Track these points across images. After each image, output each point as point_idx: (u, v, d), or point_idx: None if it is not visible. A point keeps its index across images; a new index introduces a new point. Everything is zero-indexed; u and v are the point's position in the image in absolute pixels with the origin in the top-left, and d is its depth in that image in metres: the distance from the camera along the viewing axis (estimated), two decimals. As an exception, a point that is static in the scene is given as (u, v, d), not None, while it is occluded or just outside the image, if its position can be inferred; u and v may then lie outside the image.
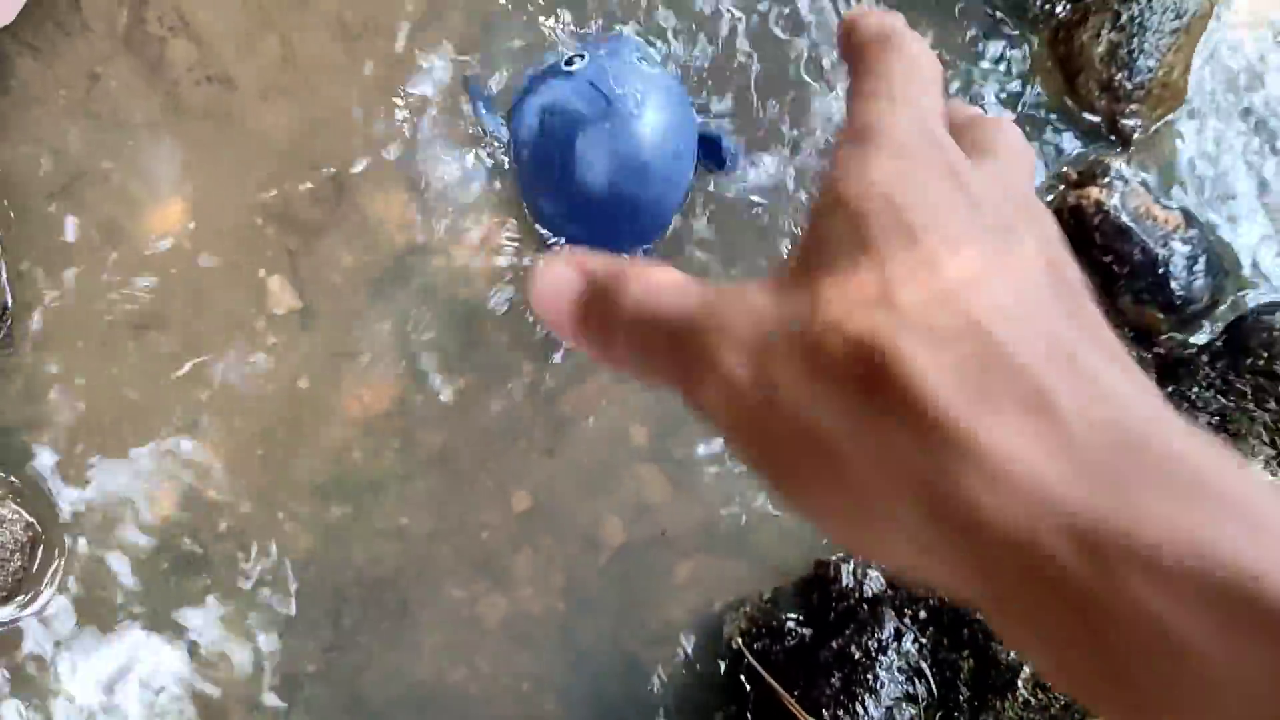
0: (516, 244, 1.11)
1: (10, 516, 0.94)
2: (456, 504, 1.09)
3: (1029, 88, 1.17)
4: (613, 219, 1.05)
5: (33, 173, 1.05)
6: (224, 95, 1.07)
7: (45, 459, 1.02)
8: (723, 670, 1.10)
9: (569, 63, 1.03)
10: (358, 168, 1.09)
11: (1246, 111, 1.19)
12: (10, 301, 0.99)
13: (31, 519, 0.96)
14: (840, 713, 0.98)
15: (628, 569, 1.11)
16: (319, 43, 1.08)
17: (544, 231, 1.10)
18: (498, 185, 1.11)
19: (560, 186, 1.03)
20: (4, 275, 1.00)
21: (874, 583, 1.08)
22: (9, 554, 0.94)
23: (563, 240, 1.09)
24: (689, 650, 1.11)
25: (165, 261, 1.06)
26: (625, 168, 1.01)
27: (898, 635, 1.02)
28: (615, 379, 1.09)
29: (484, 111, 1.08)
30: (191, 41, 1.06)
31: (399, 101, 1.08)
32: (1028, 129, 1.16)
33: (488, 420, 1.10)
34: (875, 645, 1.01)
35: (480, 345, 1.11)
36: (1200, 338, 1.14)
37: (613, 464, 1.11)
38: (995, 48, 1.17)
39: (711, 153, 1.10)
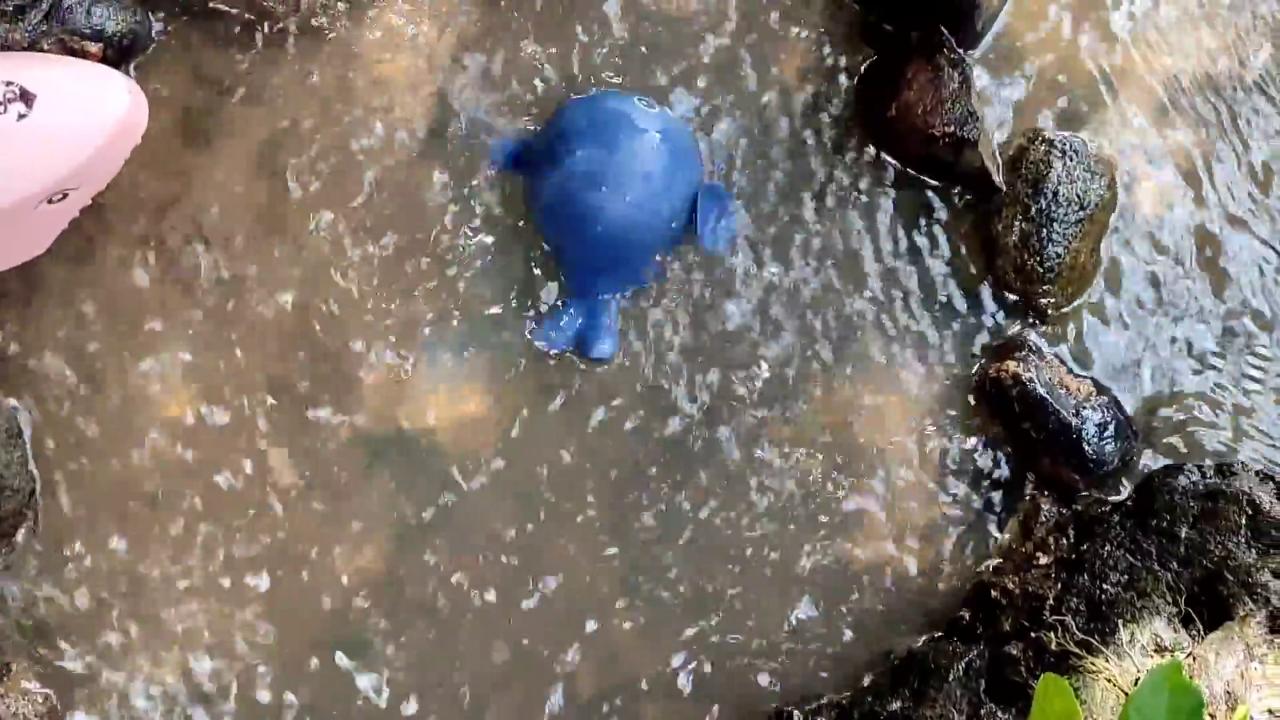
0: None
1: (32, 690, 1.04)
2: (441, 659, 1.19)
3: (955, 268, 1.31)
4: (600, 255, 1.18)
5: (58, 368, 1.16)
6: (234, 291, 1.20)
7: (64, 628, 1.12)
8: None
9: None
10: (357, 351, 1.21)
11: (1149, 288, 1.33)
12: (38, 487, 1.11)
13: (50, 691, 1.06)
14: None
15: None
16: (325, 242, 1.21)
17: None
18: (479, 366, 1.24)
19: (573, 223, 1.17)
20: (31, 461, 1.11)
21: (823, 726, 1.19)
22: (31, 724, 1.04)
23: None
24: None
25: (178, 442, 1.18)
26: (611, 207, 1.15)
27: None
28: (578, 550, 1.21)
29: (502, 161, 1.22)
30: (205, 245, 1.20)
31: (394, 299, 1.21)
32: (954, 305, 1.30)
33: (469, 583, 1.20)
34: (821, 790, 1.11)
35: (462, 510, 1.22)
36: (1116, 495, 1.26)
37: (581, 616, 1.22)
38: (924, 234, 1.31)
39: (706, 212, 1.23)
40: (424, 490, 1.21)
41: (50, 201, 0.95)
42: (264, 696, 1.16)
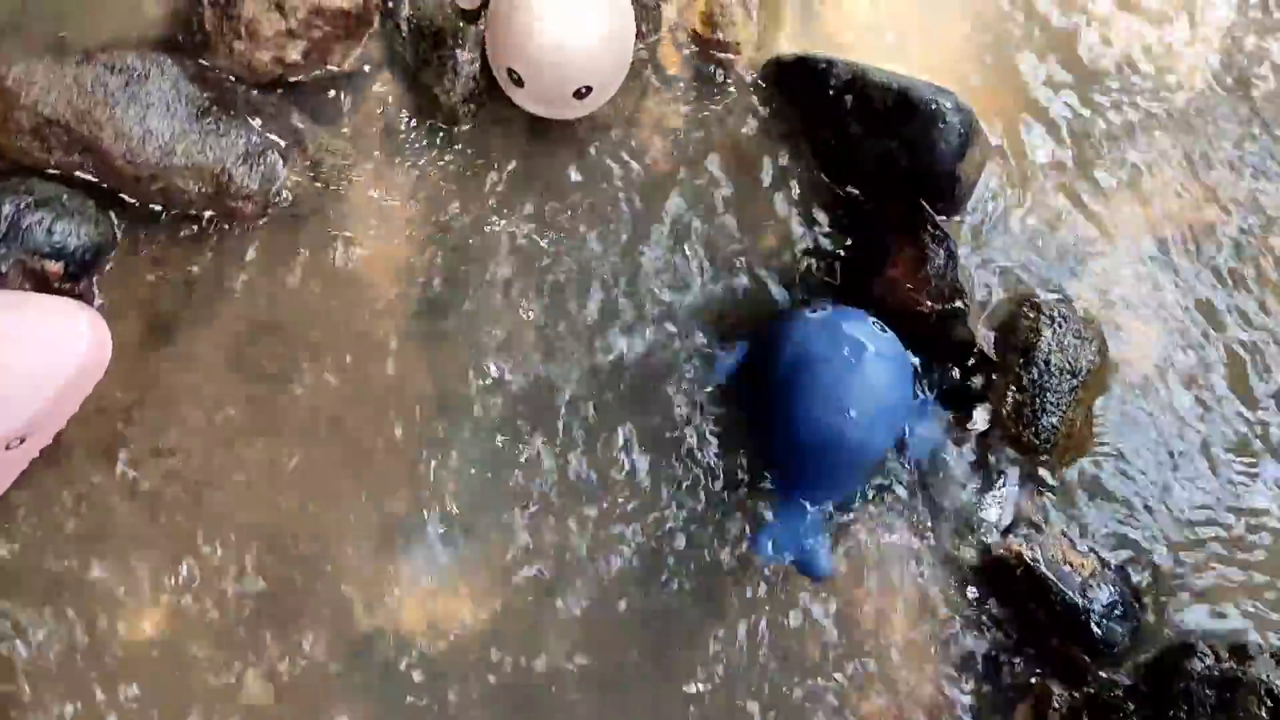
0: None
1: None
2: None
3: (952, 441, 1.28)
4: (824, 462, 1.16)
5: (28, 582, 1.11)
6: (199, 502, 1.15)
7: None
8: None
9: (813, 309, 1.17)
10: (333, 557, 1.17)
11: (1150, 451, 1.29)
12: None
13: None
14: None
15: None
16: (294, 443, 1.17)
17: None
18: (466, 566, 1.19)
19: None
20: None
21: None
22: None
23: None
24: None
25: (148, 661, 1.12)
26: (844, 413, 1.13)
27: None
28: None
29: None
30: (169, 459, 1.15)
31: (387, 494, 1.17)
32: (953, 484, 1.26)
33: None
34: None
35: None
36: (1126, 675, 1.21)
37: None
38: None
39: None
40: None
41: (7, 448, 0.90)
42: None
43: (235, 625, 1.15)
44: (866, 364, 1.15)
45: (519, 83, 1.09)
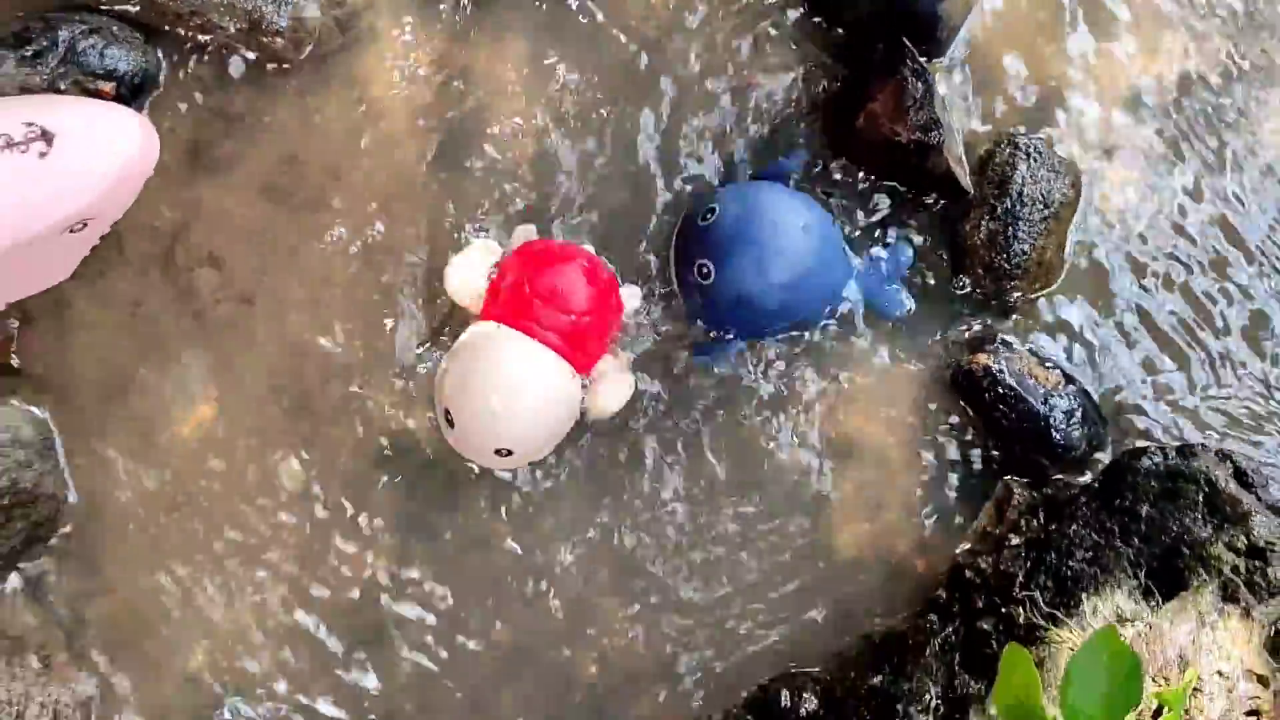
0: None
1: (71, 680, 1.13)
2: (445, 642, 1.27)
3: (928, 267, 1.38)
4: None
5: (86, 383, 1.25)
6: (244, 312, 1.28)
7: (98, 625, 1.21)
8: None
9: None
10: (355, 365, 1.30)
11: (1113, 282, 1.39)
12: (69, 495, 1.20)
13: (89, 682, 1.15)
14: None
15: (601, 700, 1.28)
16: (324, 266, 1.30)
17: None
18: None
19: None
20: (66, 471, 1.20)
21: (808, 703, 1.26)
22: (71, 711, 1.13)
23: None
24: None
25: (196, 452, 1.26)
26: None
27: (827, 752, 1.19)
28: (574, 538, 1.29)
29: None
30: (215, 270, 1.28)
31: (390, 315, 1.30)
32: (927, 302, 1.37)
33: (471, 570, 1.28)
34: (808, 762, 1.18)
35: (459, 510, 1.30)
36: (1084, 478, 1.33)
37: (587, 604, 1.29)
38: (894, 231, 1.38)
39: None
40: (429, 495, 1.29)
41: (71, 231, 1.03)
42: (283, 688, 1.24)
43: (275, 423, 1.29)
44: (793, 232, 1.25)
45: (450, 424, 1.17)
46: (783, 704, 1.26)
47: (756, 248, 1.24)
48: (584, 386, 1.24)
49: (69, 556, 1.21)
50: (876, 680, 1.24)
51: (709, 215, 1.27)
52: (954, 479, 1.34)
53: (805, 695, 1.27)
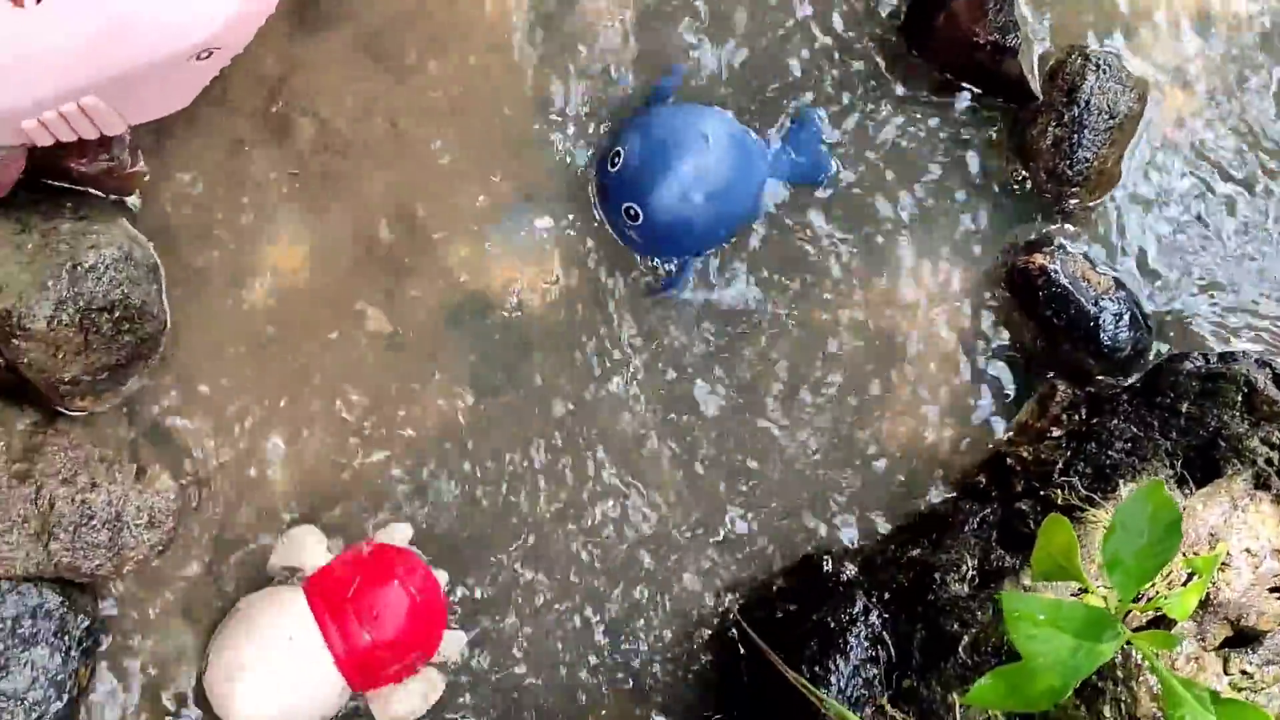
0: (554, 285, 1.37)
1: (165, 488, 1.21)
2: (492, 501, 1.35)
3: (991, 169, 1.43)
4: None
5: (184, 217, 1.31)
6: (339, 162, 1.34)
7: (189, 442, 1.29)
8: (714, 640, 1.35)
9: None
10: (445, 223, 1.36)
11: (1168, 195, 1.44)
12: (169, 319, 1.27)
13: (179, 484, 1.23)
14: (817, 669, 1.22)
15: (634, 557, 1.36)
16: (420, 122, 1.35)
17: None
18: (554, 242, 1.38)
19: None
20: (165, 298, 1.27)
21: (849, 570, 1.33)
22: (164, 517, 1.21)
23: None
24: (691, 622, 1.36)
25: (284, 293, 1.33)
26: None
27: (865, 611, 1.26)
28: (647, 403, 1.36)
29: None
30: (313, 121, 1.34)
31: (493, 173, 1.36)
32: (988, 203, 1.42)
33: (533, 430, 1.35)
34: (846, 618, 1.25)
35: (532, 369, 1.37)
36: (1127, 380, 1.39)
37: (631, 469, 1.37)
38: (962, 132, 1.43)
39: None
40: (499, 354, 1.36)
41: (198, 59, 1.09)
42: (352, 518, 1.32)
43: (360, 273, 1.35)
44: (698, 145, 1.30)
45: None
46: (824, 570, 1.34)
47: (670, 175, 1.29)
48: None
49: (164, 378, 1.28)
50: (915, 552, 1.31)
51: (616, 159, 1.32)
52: (998, 376, 1.40)
53: (845, 564, 1.34)
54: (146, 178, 1.27)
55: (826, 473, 1.38)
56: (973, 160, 1.43)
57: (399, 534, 1.29)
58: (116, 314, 1.18)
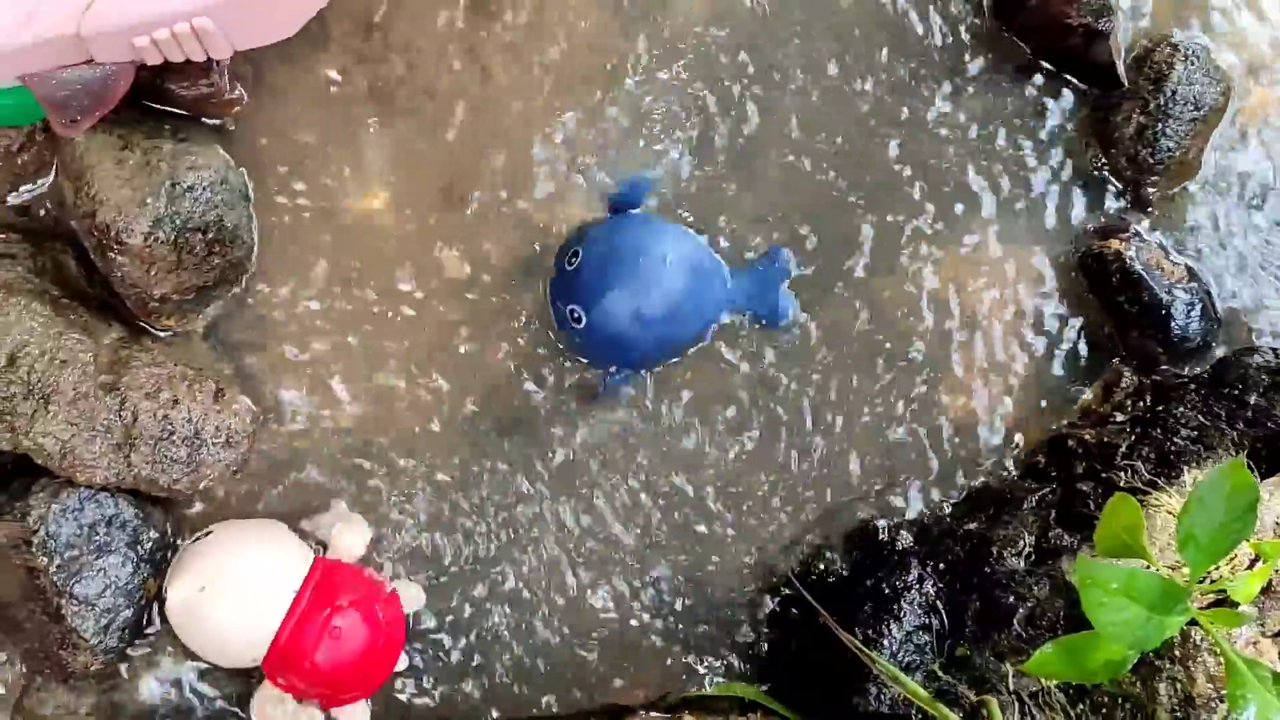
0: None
1: (242, 409, 1.24)
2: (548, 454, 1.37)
3: (1071, 152, 1.43)
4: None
5: (276, 147, 1.33)
6: (428, 104, 1.36)
7: (268, 367, 1.31)
8: (771, 603, 1.36)
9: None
10: (525, 166, 1.37)
11: (1245, 190, 1.44)
12: (256, 246, 1.29)
13: (255, 409, 1.26)
14: (870, 633, 1.24)
15: (695, 516, 1.38)
16: (511, 70, 1.37)
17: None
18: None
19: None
20: (255, 229, 1.29)
21: (904, 539, 1.34)
22: (240, 438, 1.23)
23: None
24: (744, 583, 1.37)
25: (367, 230, 1.35)
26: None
27: (920, 580, 1.27)
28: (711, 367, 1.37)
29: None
30: (406, 61, 1.36)
31: (565, 116, 1.37)
32: (1066, 187, 1.42)
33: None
34: (901, 585, 1.27)
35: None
36: (1191, 372, 1.39)
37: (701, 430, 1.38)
38: (1044, 117, 1.43)
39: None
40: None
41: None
42: (420, 456, 1.34)
43: (441, 214, 1.37)
44: (656, 267, 1.28)
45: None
46: (880, 536, 1.35)
47: (622, 289, 1.27)
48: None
49: (246, 304, 1.31)
50: (972, 526, 1.32)
51: (573, 259, 1.29)
52: (1064, 359, 1.41)
53: (902, 533, 1.35)
54: (241, 107, 1.29)
55: (886, 444, 1.39)
56: (1053, 143, 1.43)
57: (411, 596, 1.29)
58: (210, 235, 1.20)
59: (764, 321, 1.37)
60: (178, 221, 1.17)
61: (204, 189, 1.19)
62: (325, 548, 1.28)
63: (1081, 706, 1.12)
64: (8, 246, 1.22)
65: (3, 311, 1.15)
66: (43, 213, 1.28)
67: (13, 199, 1.26)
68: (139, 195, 1.15)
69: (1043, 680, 1.15)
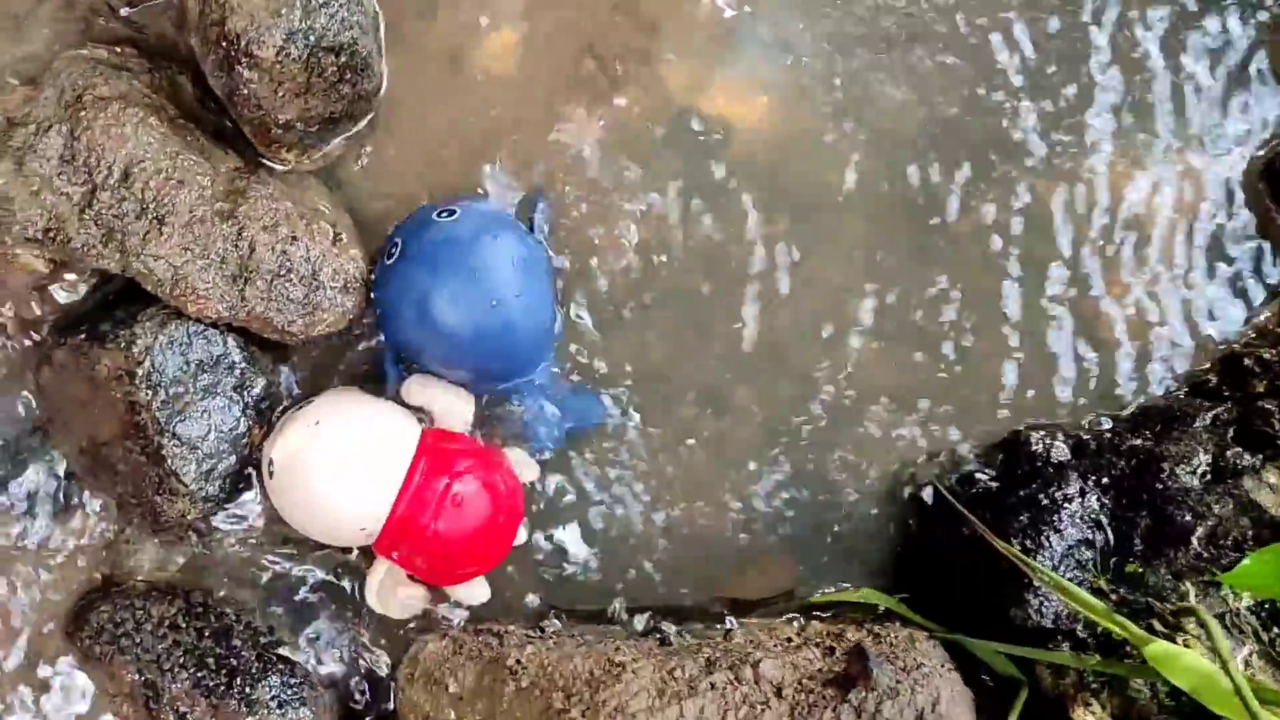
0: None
1: (356, 257, 1.14)
2: (691, 331, 1.27)
3: (1258, 54, 1.31)
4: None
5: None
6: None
7: (383, 215, 1.22)
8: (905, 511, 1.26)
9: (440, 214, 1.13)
10: (668, 29, 1.27)
11: None
12: (384, 83, 1.19)
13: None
14: (1027, 543, 1.13)
15: (834, 417, 1.27)
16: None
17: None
18: (771, 78, 1.28)
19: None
20: (384, 65, 1.19)
21: (1059, 451, 1.23)
22: (357, 285, 1.14)
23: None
24: (881, 488, 1.27)
25: (496, 79, 1.25)
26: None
27: (1081, 493, 1.17)
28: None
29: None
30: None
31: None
32: (1254, 91, 1.30)
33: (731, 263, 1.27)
34: (1061, 496, 1.16)
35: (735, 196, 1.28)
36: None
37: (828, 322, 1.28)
38: (1231, 18, 1.31)
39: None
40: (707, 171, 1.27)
41: None
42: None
43: (575, 71, 1.27)
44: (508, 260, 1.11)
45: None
46: (1033, 447, 1.24)
47: (425, 302, 1.11)
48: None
49: (367, 146, 1.21)
50: (1136, 441, 1.21)
51: (393, 251, 1.14)
52: (1243, 273, 1.29)
53: (1057, 443, 1.24)
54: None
55: (1040, 353, 1.28)
56: (1240, 45, 1.31)
57: (527, 466, 1.20)
58: (343, 59, 1.10)
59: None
60: (311, 38, 1.07)
61: (340, 6, 1.09)
62: (426, 414, 1.18)
63: (1276, 630, 1.02)
64: (123, 60, 1.12)
65: (119, 122, 1.06)
66: (158, 32, 1.18)
67: (125, 11, 1.17)
68: (274, 4, 1.06)
69: (1230, 601, 1.04)
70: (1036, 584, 1.09)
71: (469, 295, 1.08)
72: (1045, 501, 1.16)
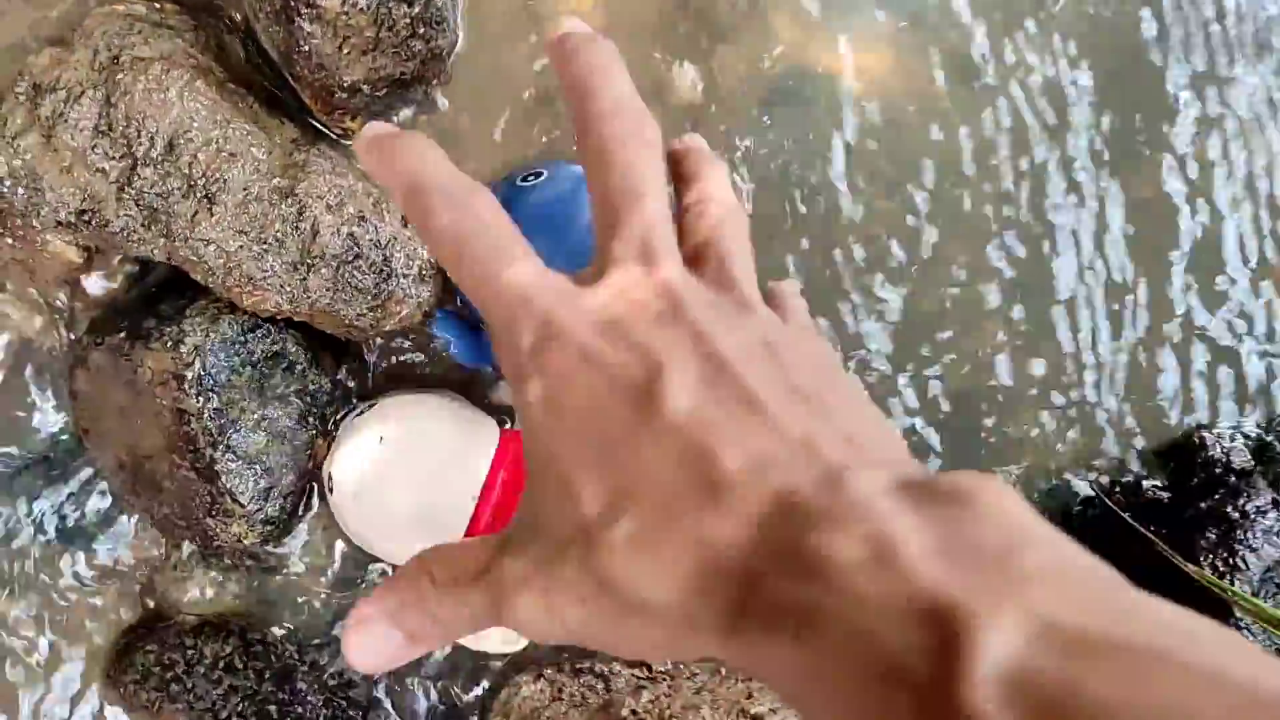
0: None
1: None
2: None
3: None
4: None
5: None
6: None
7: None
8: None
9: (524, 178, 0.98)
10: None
11: None
12: (459, 41, 1.04)
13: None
14: (1219, 564, 0.97)
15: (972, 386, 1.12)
16: None
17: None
18: (890, 40, 1.12)
19: None
20: (459, 19, 1.04)
21: (1241, 455, 1.07)
22: (431, 274, 0.99)
23: None
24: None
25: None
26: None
27: (1275, 504, 1.00)
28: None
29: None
30: None
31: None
32: None
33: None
34: (1254, 509, 1.00)
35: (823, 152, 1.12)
36: None
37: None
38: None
39: None
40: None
41: None
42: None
43: (671, 25, 1.12)
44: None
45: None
46: (1209, 452, 1.08)
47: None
48: None
49: (437, 113, 1.06)
50: (1330, 444, 1.04)
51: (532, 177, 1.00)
52: None
53: (1236, 447, 1.07)
54: None
55: (1214, 346, 1.12)
56: None
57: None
58: (415, 10, 0.95)
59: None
60: (381, -15, 0.92)
61: (413, -53, 0.94)
62: (510, 421, 1.04)
63: None
64: (163, 16, 0.98)
65: (162, 86, 0.91)
66: (202, -13, 1.04)
67: (168, -37, 1.02)
68: (338, -54, 0.90)
69: None
70: (1238, 615, 0.93)
71: (567, 260, 0.92)
72: (1236, 516, 0.99)
